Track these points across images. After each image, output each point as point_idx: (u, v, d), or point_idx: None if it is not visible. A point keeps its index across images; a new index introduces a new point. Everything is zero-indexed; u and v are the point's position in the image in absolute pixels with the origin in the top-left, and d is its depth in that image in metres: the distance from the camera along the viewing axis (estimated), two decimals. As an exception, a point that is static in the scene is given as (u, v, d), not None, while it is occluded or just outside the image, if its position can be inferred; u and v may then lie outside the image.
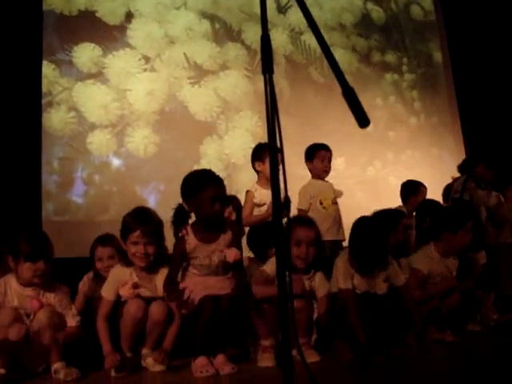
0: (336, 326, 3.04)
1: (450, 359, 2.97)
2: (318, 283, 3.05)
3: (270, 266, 2.97)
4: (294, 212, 3.76)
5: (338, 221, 4.04)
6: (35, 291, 2.73)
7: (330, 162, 4.15)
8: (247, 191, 3.96)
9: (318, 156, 4.10)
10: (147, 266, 2.92)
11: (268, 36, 1.67)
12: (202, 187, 2.83)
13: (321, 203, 4.02)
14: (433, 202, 4.35)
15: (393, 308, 3.13)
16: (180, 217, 2.93)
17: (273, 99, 1.65)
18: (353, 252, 3.15)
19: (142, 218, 2.93)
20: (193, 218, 2.95)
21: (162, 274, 2.94)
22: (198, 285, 2.82)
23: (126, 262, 2.94)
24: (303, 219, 3.19)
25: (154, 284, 2.94)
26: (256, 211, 3.87)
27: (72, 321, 2.77)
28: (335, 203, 4.08)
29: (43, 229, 4.30)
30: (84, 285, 3.32)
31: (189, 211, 2.92)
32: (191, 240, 2.86)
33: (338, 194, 4.13)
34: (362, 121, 1.41)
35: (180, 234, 2.87)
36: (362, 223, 3.24)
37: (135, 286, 2.88)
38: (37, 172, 4.53)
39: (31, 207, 4.45)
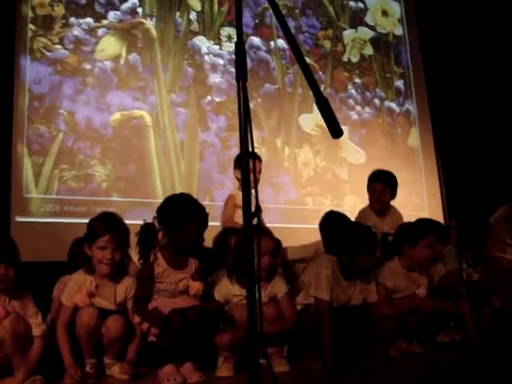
0: (308, 335, 3.02)
1: (415, 371, 2.98)
2: (277, 286, 3.01)
3: (218, 293, 2.94)
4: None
5: None
6: (1, 298, 2.62)
7: None
8: (229, 195, 4.02)
9: None
10: (110, 273, 2.86)
11: (242, 43, 1.67)
12: (190, 221, 2.80)
13: None
14: (385, 173, 4.30)
15: (364, 320, 3.13)
16: (147, 236, 2.90)
17: (246, 106, 1.65)
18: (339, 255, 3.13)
19: (111, 223, 2.87)
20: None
21: (124, 283, 2.90)
22: (164, 305, 2.80)
23: (89, 269, 2.88)
24: (262, 229, 3.13)
25: (113, 293, 2.88)
26: (239, 213, 3.88)
27: (37, 331, 2.67)
28: None
29: (11, 230, 4.28)
30: (59, 290, 3.26)
31: (158, 230, 2.89)
32: (160, 263, 2.85)
33: None
34: (335, 132, 1.41)
35: (151, 259, 2.84)
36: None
37: (90, 294, 2.82)
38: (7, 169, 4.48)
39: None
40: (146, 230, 2.92)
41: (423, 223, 3.70)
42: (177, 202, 2.92)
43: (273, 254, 2.97)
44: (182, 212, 2.83)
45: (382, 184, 4.14)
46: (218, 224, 4.00)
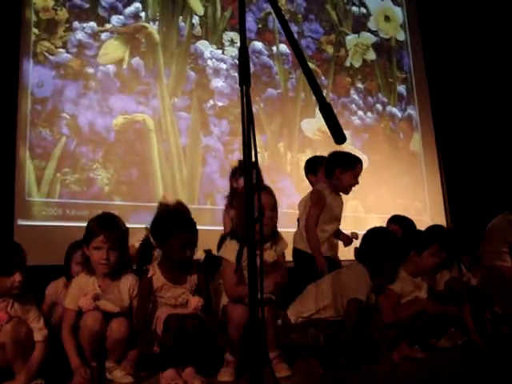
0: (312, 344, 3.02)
1: (417, 376, 2.97)
2: (280, 244, 3.05)
3: (230, 254, 2.91)
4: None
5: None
6: (4, 303, 2.63)
7: None
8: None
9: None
10: (110, 273, 2.86)
11: (246, 48, 1.67)
12: (174, 233, 2.82)
13: None
14: (403, 219, 4.32)
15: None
16: (145, 251, 2.94)
17: (249, 110, 1.65)
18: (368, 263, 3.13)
19: (106, 224, 2.87)
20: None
21: (126, 280, 2.90)
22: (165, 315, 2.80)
23: (89, 270, 2.88)
24: (261, 186, 3.05)
25: (117, 291, 2.88)
26: None
27: (39, 335, 2.68)
28: None
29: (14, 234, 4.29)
30: (52, 291, 3.27)
31: (155, 247, 2.91)
32: (158, 278, 2.86)
33: None
34: (339, 137, 1.41)
35: (149, 275, 2.86)
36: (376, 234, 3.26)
37: (96, 297, 2.81)
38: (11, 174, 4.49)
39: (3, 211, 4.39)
40: (144, 245, 2.94)
41: (430, 232, 3.69)
42: (163, 215, 2.94)
43: (273, 209, 2.98)
44: (167, 224, 2.86)
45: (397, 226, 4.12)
46: (220, 228, 3.99)
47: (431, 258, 3.50)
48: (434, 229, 3.85)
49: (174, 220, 2.88)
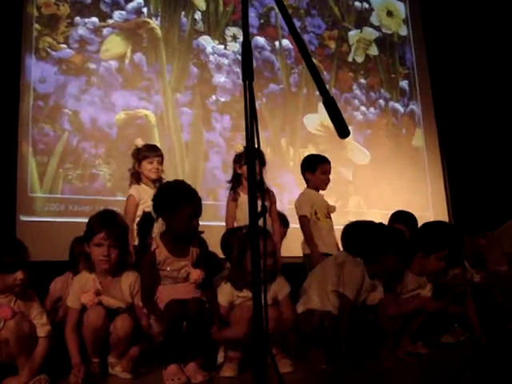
0: (313, 335, 3.01)
1: (421, 371, 2.97)
2: (279, 287, 2.98)
3: (222, 297, 2.91)
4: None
5: (331, 234, 4.00)
6: (7, 298, 2.62)
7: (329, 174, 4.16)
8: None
9: (321, 168, 4.11)
10: (110, 270, 2.85)
11: (249, 43, 1.66)
12: (180, 204, 2.83)
13: (315, 213, 4.00)
14: (407, 214, 4.31)
15: (370, 321, 3.11)
16: (146, 225, 2.95)
17: (252, 106, 1.64)
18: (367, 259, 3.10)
19: (107, 221, 2.86)
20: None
21: (127, 277, 2.89)
22: (166, 293, 2.82)
23: (90, 267, 2.87)
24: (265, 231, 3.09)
25: (119, 288, 2.87)
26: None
27: (42, 331, 2.67)
28: (329, 217, 4.07)
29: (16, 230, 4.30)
30: (59, 286, 3.28)
31: (155, 219, 2.92)
32: (161, 252, 2.87)
33: (332, 209, 4.11)
34: (342, 131, 1.41)
35: (152, 248, 2.87)
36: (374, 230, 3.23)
37: (97, 292, 2.81)
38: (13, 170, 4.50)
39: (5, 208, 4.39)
40: (144, 219, 2.96)
41: (441, 235, 3.62)
42: (167, 188, 3.00)
43: (273, 255, 2.98)
44: (171, 197, 2.88)
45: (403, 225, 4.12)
46: (222, 224, 3.98)
47: (437, 262, 3.46)
48: (445, 232, 3.75)
49: (178, 192, 2.91)
